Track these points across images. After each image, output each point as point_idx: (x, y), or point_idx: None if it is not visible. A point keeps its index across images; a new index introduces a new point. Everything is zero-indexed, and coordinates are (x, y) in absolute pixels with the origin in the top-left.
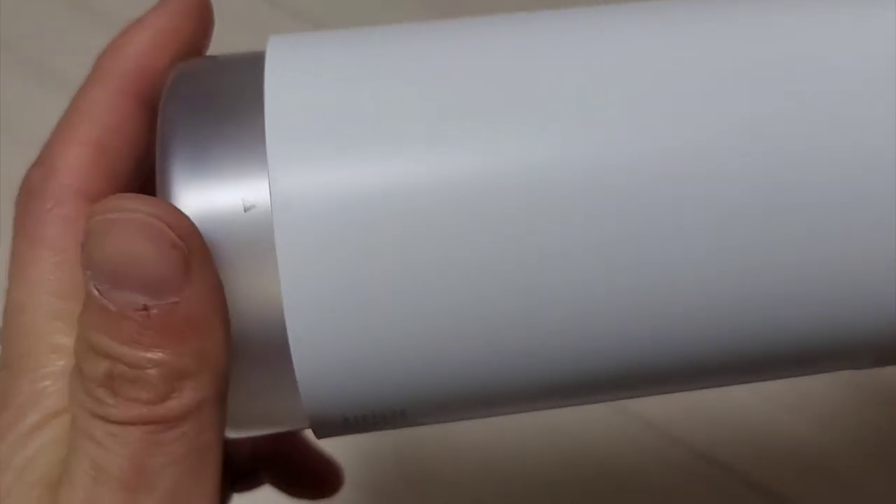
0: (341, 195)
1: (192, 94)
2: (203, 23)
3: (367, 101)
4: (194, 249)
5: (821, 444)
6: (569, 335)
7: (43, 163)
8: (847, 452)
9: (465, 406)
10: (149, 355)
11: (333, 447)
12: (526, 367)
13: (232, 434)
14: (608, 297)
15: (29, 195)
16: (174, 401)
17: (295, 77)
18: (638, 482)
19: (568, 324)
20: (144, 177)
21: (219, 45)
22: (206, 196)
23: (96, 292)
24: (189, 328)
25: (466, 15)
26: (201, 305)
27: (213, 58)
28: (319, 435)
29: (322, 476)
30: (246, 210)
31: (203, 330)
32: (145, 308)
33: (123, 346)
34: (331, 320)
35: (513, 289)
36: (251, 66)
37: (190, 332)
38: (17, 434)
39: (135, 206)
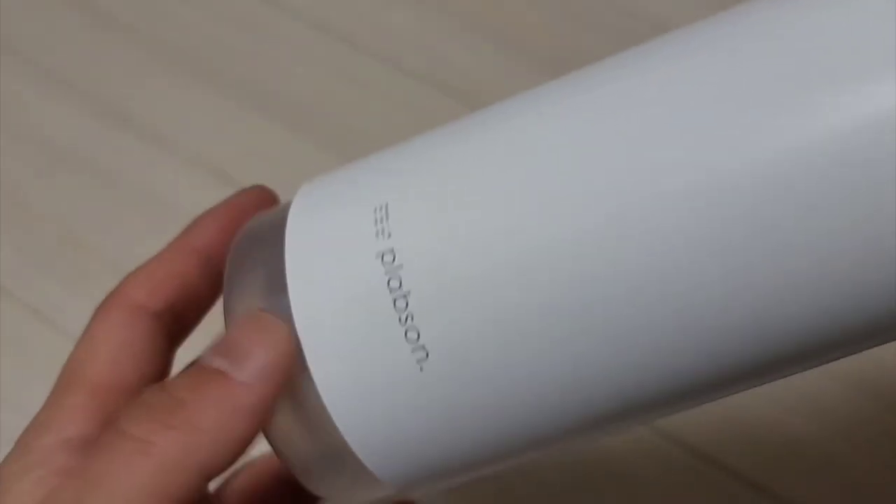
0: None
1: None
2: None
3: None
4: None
5: (822, 444)
6: (599, 381)
7: None
8: (849, 453)
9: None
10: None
11: None
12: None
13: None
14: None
15: None
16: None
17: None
18: (637, 482)
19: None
20: None
21: (219, 45)
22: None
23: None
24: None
25: (468, 6)
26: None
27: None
28: (409, 496)
29: None
30: None
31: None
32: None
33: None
34: (387, 440)
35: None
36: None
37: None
38: None
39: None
